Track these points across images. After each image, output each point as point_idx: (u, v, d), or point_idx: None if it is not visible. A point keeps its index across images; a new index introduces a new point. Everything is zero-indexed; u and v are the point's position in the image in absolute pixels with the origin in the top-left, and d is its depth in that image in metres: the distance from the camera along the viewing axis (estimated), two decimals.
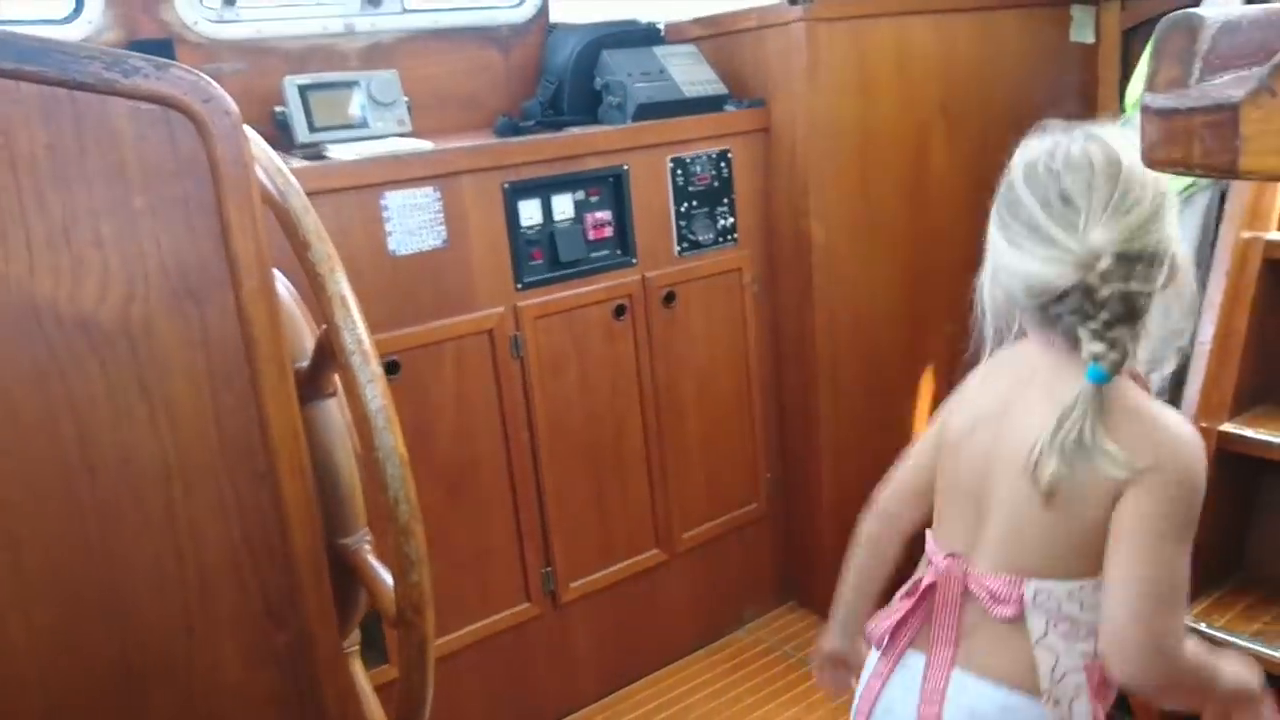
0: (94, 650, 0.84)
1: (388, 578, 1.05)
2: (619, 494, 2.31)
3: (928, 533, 1.25)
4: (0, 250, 0.76)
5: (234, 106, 0.84)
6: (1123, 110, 2.01)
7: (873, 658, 1.26)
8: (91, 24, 1.90)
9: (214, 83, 0.83)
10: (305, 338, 1.11)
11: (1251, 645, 1.72)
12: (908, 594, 1.22)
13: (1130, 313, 1.03)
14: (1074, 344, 1.07)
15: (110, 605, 0.84)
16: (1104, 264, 1.01)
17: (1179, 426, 1.08)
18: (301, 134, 1.98)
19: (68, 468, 0.81)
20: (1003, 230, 1.11)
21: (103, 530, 0.83)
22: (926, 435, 1.30)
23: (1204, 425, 1.78)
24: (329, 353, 1.01)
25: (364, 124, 2.08)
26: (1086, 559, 1.08)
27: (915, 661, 1.19)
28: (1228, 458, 1.81)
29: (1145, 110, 0.44)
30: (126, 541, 0.85)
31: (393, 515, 0.95)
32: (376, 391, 0.95)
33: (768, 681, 2.39)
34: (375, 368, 0.95)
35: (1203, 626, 1.79)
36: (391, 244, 1.91)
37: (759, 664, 2.47)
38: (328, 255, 0.98)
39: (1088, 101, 2.81)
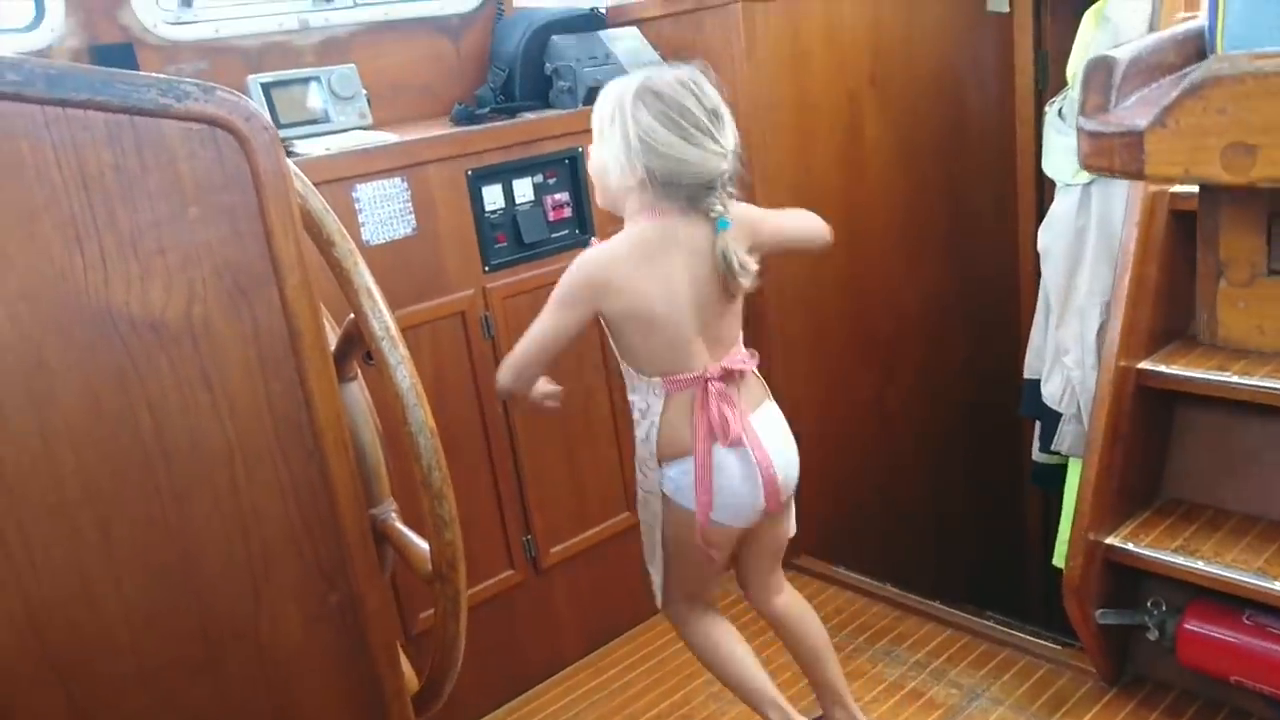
0: (176, 617, 0.94)
1: (418, 540, 1.16)
2: (590, 461, 2.43)
3: (652, 378, 1.69)
4: (80, 261, 0.85)
5: (270, 123, 0.93)
6: (1065, 83, 2.18)
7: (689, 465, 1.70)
8: (54, 31, 1.93)
9: (253, 102, 0.92)
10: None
11: (1172, 559, 1.92)
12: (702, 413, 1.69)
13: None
14: (690, 210, 1.61)
15: (187, 576, 0.94)
16: (735, 157, 1.61)
17: None
18: None
19: (147, 455, 0.90)
20: (674, 129, 1.57)
21: (178, 509, 0.93)
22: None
23: (1123, 364, 1.96)
24: (355, 339, 1.11)
25: (326, 118, 2.14)
26: None
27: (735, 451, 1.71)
28: (1146, 392, 1.99)
29: (1080, 130, 0.58)
30: (199, 518, 0.94)
31: (427, 481, 1.06)
32: (406, 372, 1.06)
33: (739, 629, 2.54)
34: (403, 350, 1.06)
35: (1130, 546, 1.98)
36: (365, 234, 1.98)
37: (728, 613, 2.61)
38: (350, 251, 1.08)
39: (1004, 66, 2.98)
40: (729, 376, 1.70)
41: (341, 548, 1.04)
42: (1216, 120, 0.48)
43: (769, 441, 1.76)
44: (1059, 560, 2.39)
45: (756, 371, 1.79)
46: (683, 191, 1.60)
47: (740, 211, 1.69)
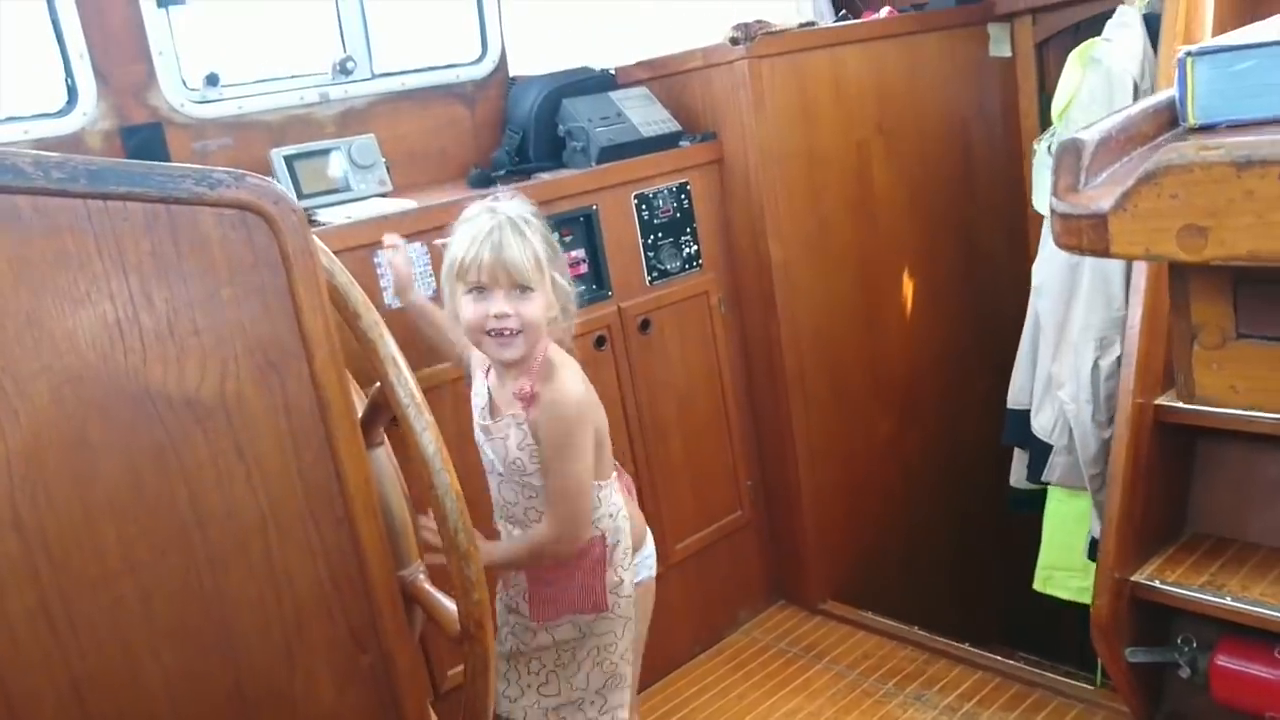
0: (213, 682, 0.97)
1: (445, 601, 1.19)
2: None
3: (609, 477, 1.77)
4: (120, 345, 0.89)
5: (298, 205, 0.98)
6: (1051, 122, 2.23)
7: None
8: (86, 115, 2.01)
9: (281, 186, 0.97)
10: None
11: (1200, 595, 1.91)
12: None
13: None
14: None
15: (224, 641, 0.97)
16: None
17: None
18: None
19: (184, 526, 0.94)
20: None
21: (214, 577, 0.96)
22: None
23: (1140, 401, 1.97)
24: (381, 407, 1.14)
25: (347, 187, 2.21)
26: None
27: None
28: (1165, 428, 2.00)
29: (1053, 212, 0.62)
30: (234, 585, 0.98)
31: (453, 544, 1.09)
32: (431, 438, 1.09)
33: (768, 677, 2.54)
34: (428, 416, 1.09)
35: (1157, 583, 1.97)
36: (387, 298, 2.04)
37: (757, 661, 2.62)
38: (376, 322, 1.13)
39: (1009, 109, 3.03)
40: None
41: (372, 609, 1.06)
42: (1170, 204, 0.52)
43: None
44: (1039, 585, 2.48)
45: None
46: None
47: None
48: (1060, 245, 0.61)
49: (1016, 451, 2.55)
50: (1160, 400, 1.99)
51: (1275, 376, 0.59)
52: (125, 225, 0.89)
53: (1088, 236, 0.57)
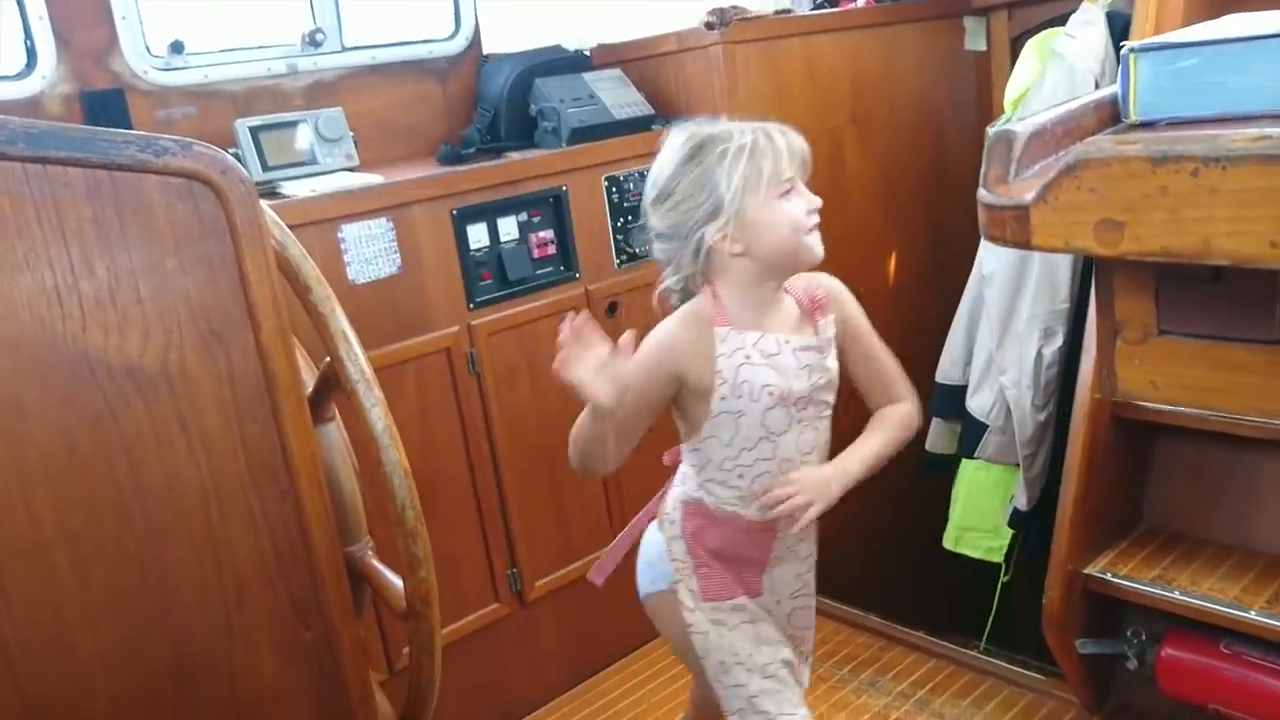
0: (151, 656, 0.96)
1: (393, 577, 1.18)
2: (575, 495, 2.45)
3: None
4: (59, 312, 0.88)
5: (247, 176, 0.97)
6: (1002, 110, 2.26)
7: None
8: (45, 79, 1.98)
9: (230, 156, 0.96)
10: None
11: (1150, 589, 1.94)
12: None
13: None
14: None
15: (162, 614, 0.97)
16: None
17: None
18: (255, 173, 2.08)
19: (122, 496, 0.93)
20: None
21: (154, 548, 0.96)
22: None
23: (1098, 396, 1.98)
24: (332, 382, 1.14)
25: (313, 160, 2.19)
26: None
27: None
28: (1124, 424, 2.02)
29: (980, 202, 0.62)
30: (173, 556, 0.97)
31: (400, 520, 1.09)
32: (380, 414, 1.09)
33: None
34: (377, 393, 1.09)
35: (1108, 576, 2.00)
36: (350, 274, 2.02)
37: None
38: (327, 297, 1.12)
39: (983, 103, 3.04)
40: None
41: (315, 584, 1.06)
42: (1088, 198, 0.52)
43: None
44: (950, 544, 2.63)
45: None
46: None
47: None
48: (986, 236, 0.61)
49: (936, 420, 2.64)
50: (1119, 396, 2.00)
51: (1191, 373, 0.60)
52: (65, 191, 0.88)
53: (1011, 228, 0.58)
